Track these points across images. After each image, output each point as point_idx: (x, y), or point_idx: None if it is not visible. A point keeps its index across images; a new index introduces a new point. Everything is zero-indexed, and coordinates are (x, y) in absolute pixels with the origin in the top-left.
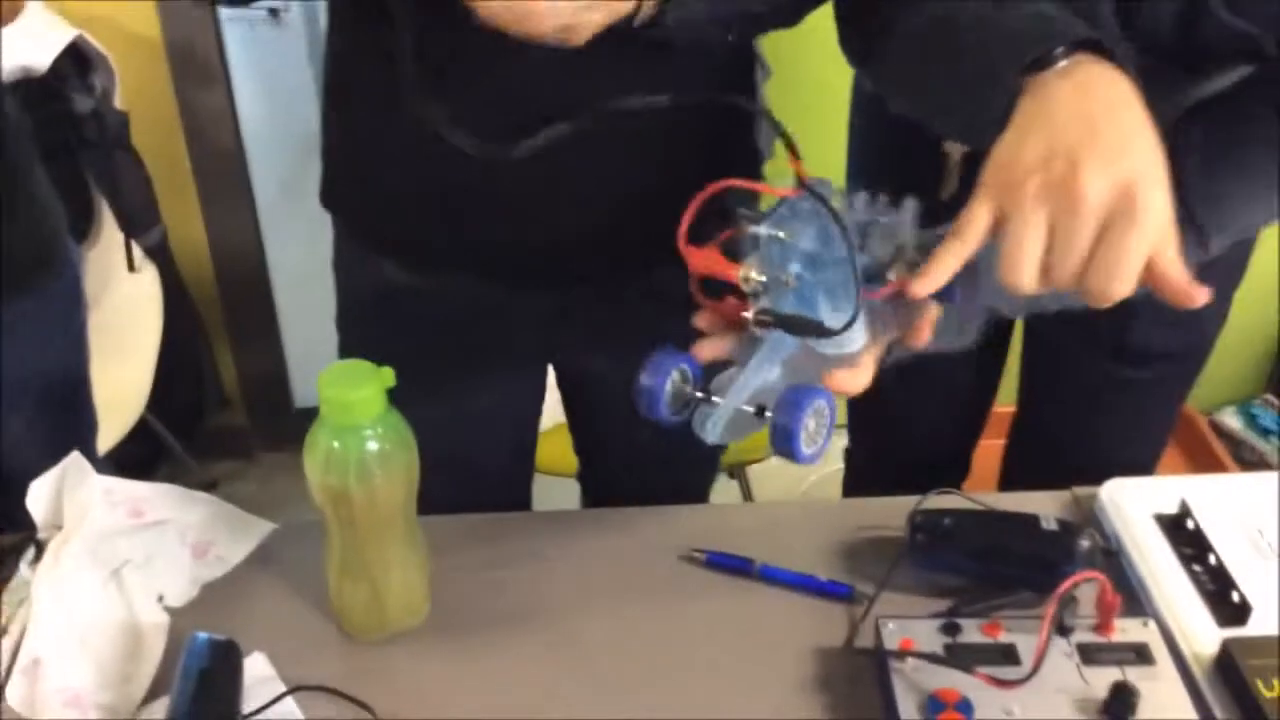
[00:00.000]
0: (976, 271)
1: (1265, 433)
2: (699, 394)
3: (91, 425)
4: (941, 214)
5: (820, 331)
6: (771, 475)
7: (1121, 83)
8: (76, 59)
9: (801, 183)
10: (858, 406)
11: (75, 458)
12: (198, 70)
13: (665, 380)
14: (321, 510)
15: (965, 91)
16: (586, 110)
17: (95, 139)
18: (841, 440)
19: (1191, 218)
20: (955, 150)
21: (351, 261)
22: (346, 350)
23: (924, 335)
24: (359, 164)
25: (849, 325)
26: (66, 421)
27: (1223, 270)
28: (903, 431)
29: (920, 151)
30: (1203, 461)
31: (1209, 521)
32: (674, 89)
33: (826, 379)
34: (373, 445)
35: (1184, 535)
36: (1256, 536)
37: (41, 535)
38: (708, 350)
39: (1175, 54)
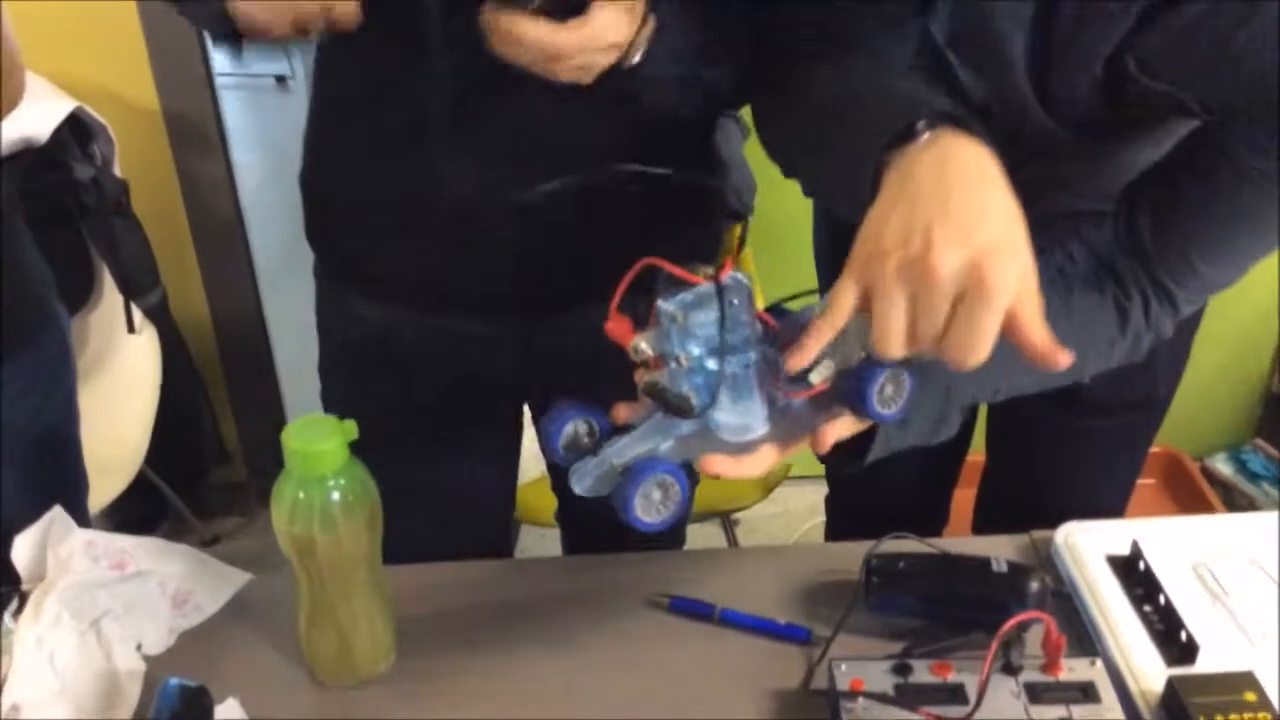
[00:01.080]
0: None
1: (1255, 478)
2: (592, 446)
3: (81, 485)
4: None
5: (681, 412)
6: (765, 522)
7: (981, 155)
8: (77, 129)
9: (716, 275)
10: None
11: (58, 512)
12: (195, 138)
13: (560, 428)
14: (289, 560)
15: (841, 168)
16: (590, 167)
17: (95, 205)
18: (824, 489)
19: (1159, 284)
20: None
21: (330, 305)
22: (328, 394)
23: (826, 443)
24: (337, 202)
25: (703, 411)
26: (55, 481)
27: (1182, 322)
28: (878, 482)
29: None
30: (1195, 507)
31: (1160, 562)
32: (641, 140)
33: (704, 461)
34: (335, 495)
35: (1135, 576)
36: (1207, 576)
37: (25, 587)
38: (623, 413)
39: (1102, 122)
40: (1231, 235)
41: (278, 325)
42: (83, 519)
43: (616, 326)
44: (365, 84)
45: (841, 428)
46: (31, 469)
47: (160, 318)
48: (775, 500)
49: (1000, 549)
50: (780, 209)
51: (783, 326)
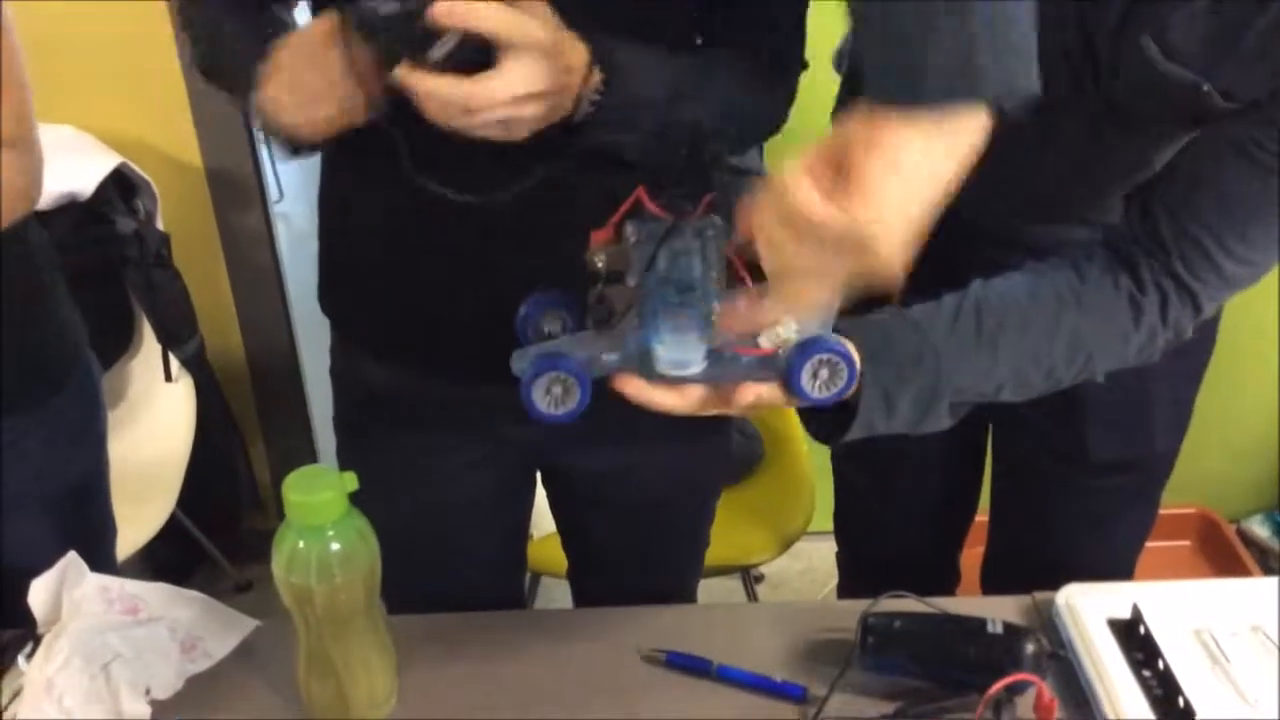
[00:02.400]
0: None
1: None
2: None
3: (109, 532)
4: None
5: (596, 323)
6: (790, 579)
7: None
8: (121, 184)
9: (681, 211)
10: (841, 516)
11: (72, 558)
12: (237, 192)
13: (544, 309)
14: (288, 608)
15: None
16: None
17: (136, 258)
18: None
19: (1177, 280)
20: None
21: (344, 365)
22: (342, 450)
23: (738, 401)
24: (350, 272)
25: (617, 327)
26: (82, 528)
27: (1180, 379)
28: (885, 541)
29: None
30: (1230, 569)
31: (1162, 627)
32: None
33: (619, 378)
34: (334, 546)
35: (1135, 640)
36: (1209, 641)
37: (41, 631)
38: None
39: (1130, 105)
40: (1252, 229)
41: (313, 374)
42: (110, 565)
43: (598, 235)
44: (367, 153)
45: (762, 391)
46: (58, 516)
47: (197, 366)
48: (799, 556)
49: (1002, 610)
50: None
51: None
